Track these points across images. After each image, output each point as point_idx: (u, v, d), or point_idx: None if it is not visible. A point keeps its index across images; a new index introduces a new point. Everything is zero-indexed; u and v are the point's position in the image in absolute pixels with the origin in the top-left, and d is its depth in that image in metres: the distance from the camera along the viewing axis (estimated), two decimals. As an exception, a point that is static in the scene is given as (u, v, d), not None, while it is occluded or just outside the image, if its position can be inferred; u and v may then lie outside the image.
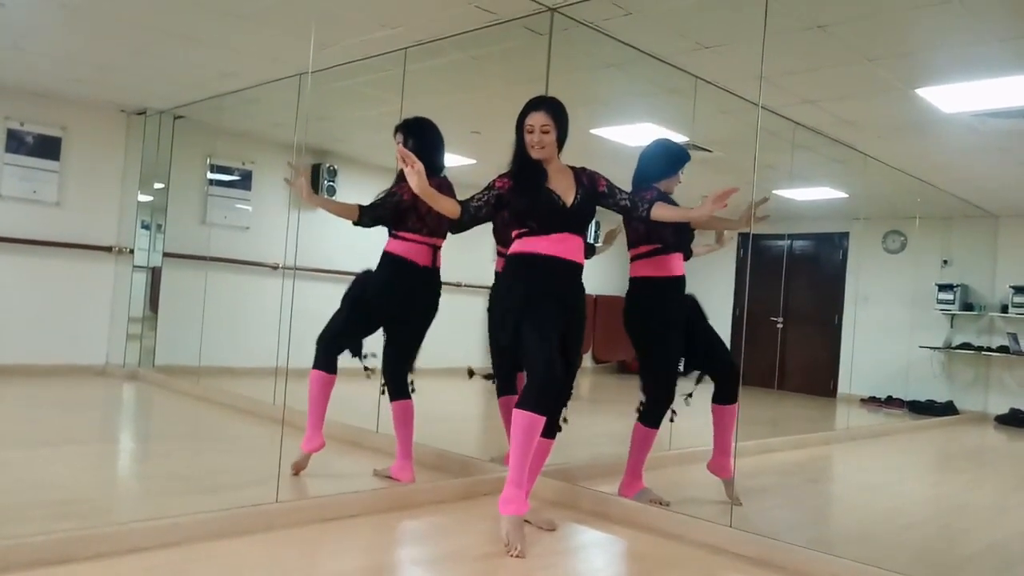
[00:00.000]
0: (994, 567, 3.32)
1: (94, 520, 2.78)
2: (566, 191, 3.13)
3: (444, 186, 3.58)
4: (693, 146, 5.58)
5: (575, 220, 3.12)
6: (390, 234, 3.65)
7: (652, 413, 3.64)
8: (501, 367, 3.97)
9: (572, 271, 3.12)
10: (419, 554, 2.98)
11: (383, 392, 3.74)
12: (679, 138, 5.00)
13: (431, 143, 3.68)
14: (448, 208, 3.11)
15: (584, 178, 3.20)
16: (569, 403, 3.22)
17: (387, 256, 3.63)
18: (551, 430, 3.16)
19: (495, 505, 3.06)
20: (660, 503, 3.57)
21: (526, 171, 3.14)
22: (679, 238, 3.66)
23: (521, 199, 3.11)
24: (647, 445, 3.69)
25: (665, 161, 3.71)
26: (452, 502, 3.53)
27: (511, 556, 2.81)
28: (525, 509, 3.01)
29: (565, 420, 3.23)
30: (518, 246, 3.14)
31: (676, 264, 3.66)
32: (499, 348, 3.70)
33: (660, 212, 3.13)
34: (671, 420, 3.71)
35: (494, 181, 3.19)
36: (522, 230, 3.13)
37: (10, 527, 2.65)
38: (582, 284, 3.20)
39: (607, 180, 3.23)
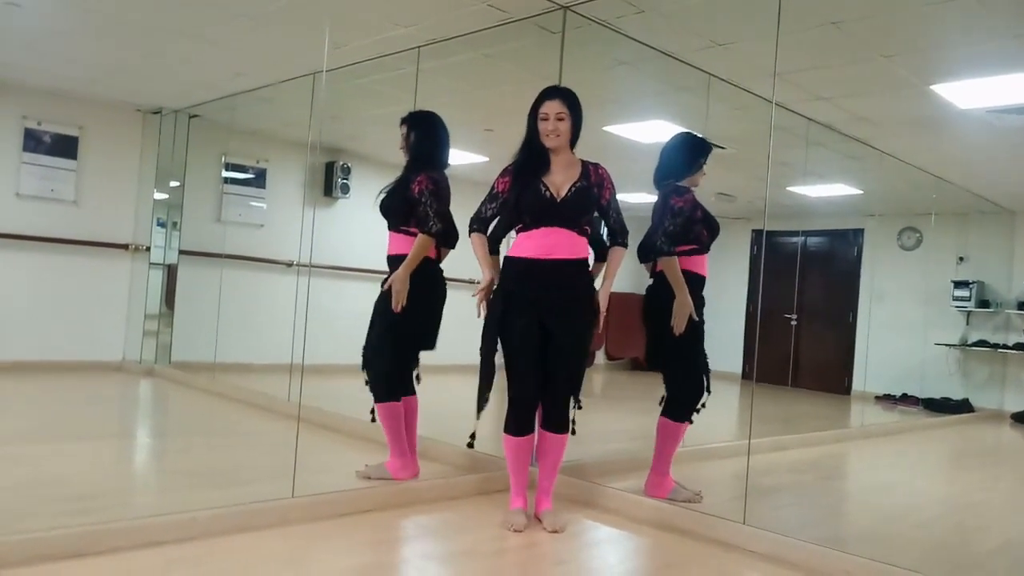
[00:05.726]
0: (1008, 565, 3.30)
1: (112, 515, 2.81)
2: (562, 184, 3.12)
3: (443, 183, 3.58)
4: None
5: (565, 213, 3.09)
6: (402, 231, 3.60)
7: (684, 408, 3.63)
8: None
9: (557, 270, 3.09)
10: (433, 550, 3.00)
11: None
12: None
13: (433, 137, 3.68)
14: (482, 255, 3.26)
15: (593, 175, 3.18)
16: (579, 406, 3.22)
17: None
18: (563, 425, 3.18)
19: (508, 501, 3.09)
20: (694, 498, 3.60)
21: (530, 160, 3.16)
22: (711, 239, 3.67)
23: (512, 191, 3.14)
24: (677, 441, 3.68)
25: (687, 155, 3.69)
26: (465, 498, 3.55)
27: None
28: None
29: (574, 422, 3.25)
30: (512, 248, 3.18)
31: (705, 264, 3.67)
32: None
33: (617, 258, 3.27)
34: (697, 411, 3.68)
35: (496, 184, 3.23)
36: (518, 225, 3.17)
37: (29, 521, 2.69)
38: (580, 281, 3.14)
39: (613, 195, 3.23)
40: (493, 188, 3.24)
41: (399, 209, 3.56)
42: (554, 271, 3.08)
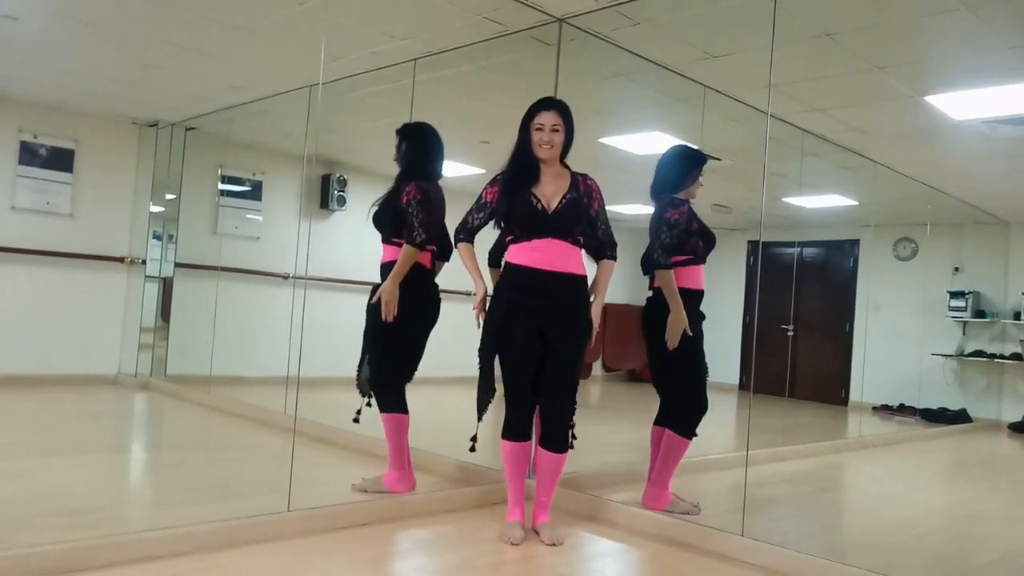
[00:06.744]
0: (1008, 576, 3.30)
1: (107, 529, 2.79)
2: (553, 195, 3.11)
3: (433, 193, 3.57)
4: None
5: (557, 225, 3.08)
6: (394, 243, 3.57)
7: (693, 423, 3.62)
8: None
9: (560, 282, 3.08)
10: (430, 563, 2.98)
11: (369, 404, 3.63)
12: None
13: (425, 148, 3.67)
14: (471, 265, 3.25)
15: (582, 186, 3.18)
16: (575, 418, 3.21)
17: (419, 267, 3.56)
18: (562, 444, 3.17)
19: (506, 514, 3.09)
20: (692, 510, 3.59)
21: (520, 171, 3.15)
22: (707, 250, 3.67)
23: (502, 202, 3.14)
24: (682, 455, 3.66)
25: (682, 168, 3.69)
26: (462, 511, 3.54)
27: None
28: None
29: (574, 437, 3.23)
30: (507, 256, 3.17)
31: (702, 277, 3.66)
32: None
33: (606, 271, 3.27)
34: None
35: (484, 194, 3.22)
36: (509, 236, 3.16)
37: (24, 536, 2.67)
38: (580, 294, 3.14)
39: (601, 207, 3.23)
40: (481, 197, 3.23)
41: (389, 220, 3.56)
42: (556, 282, 3.07)
